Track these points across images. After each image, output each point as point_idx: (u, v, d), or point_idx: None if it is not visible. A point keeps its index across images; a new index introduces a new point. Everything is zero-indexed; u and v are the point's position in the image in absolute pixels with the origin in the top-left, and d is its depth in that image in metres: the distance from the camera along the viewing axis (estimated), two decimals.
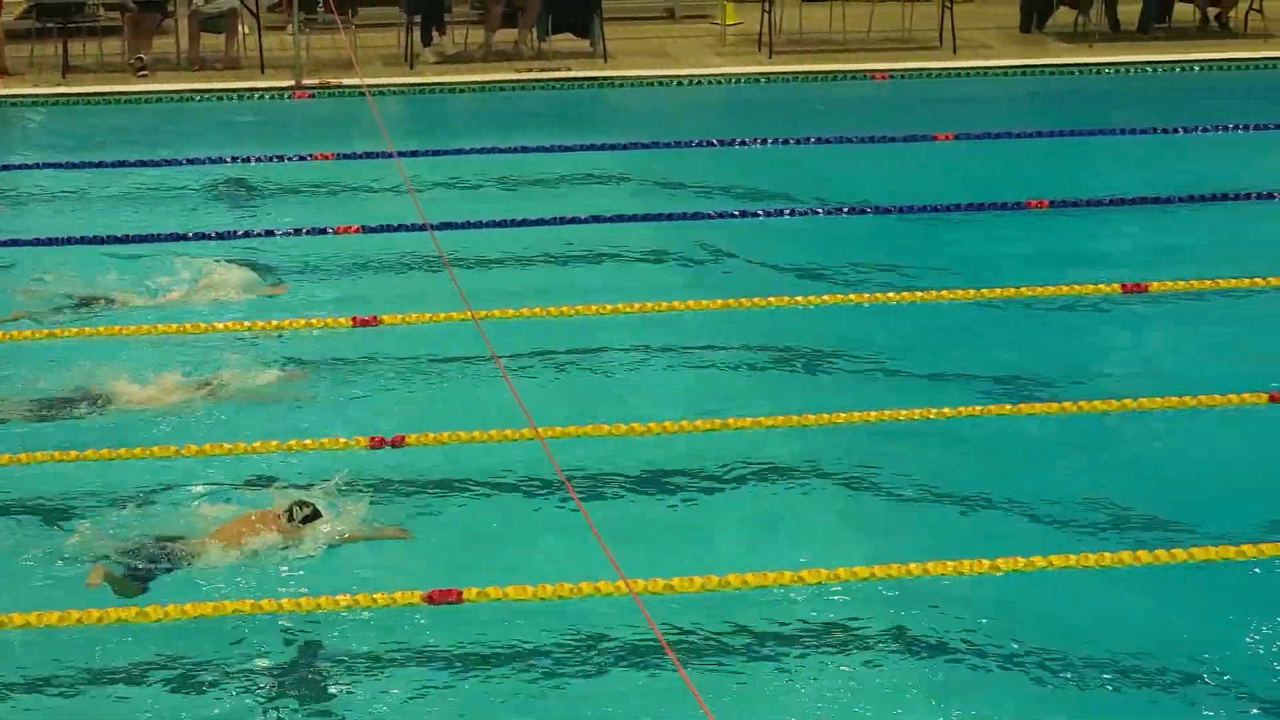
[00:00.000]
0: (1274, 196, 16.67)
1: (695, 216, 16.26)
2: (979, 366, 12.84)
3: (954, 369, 12.80)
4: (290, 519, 10.13)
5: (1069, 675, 9.08)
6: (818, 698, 8.91)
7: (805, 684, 9.01)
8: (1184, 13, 23.77)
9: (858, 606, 9.64)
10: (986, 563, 10.01)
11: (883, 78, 21.68)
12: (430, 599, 9.62)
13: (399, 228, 15.69)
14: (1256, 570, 10.05)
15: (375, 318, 13.71)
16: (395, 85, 21.45)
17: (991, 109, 20.76)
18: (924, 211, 16.32)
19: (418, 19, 22.56)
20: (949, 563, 9.98)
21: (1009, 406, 12.17)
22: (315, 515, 10.17)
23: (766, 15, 22.70)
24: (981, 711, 8.83)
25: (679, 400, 12.31)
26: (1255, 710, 8.78)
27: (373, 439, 11.49)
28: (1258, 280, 14.46)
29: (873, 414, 11.99)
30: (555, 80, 21.60)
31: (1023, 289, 14.25)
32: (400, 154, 16.80)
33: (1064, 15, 23.58)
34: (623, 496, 10.89)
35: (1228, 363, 12.97)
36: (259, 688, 8.95)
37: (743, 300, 14.06)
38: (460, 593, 9.67)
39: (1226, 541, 10.24)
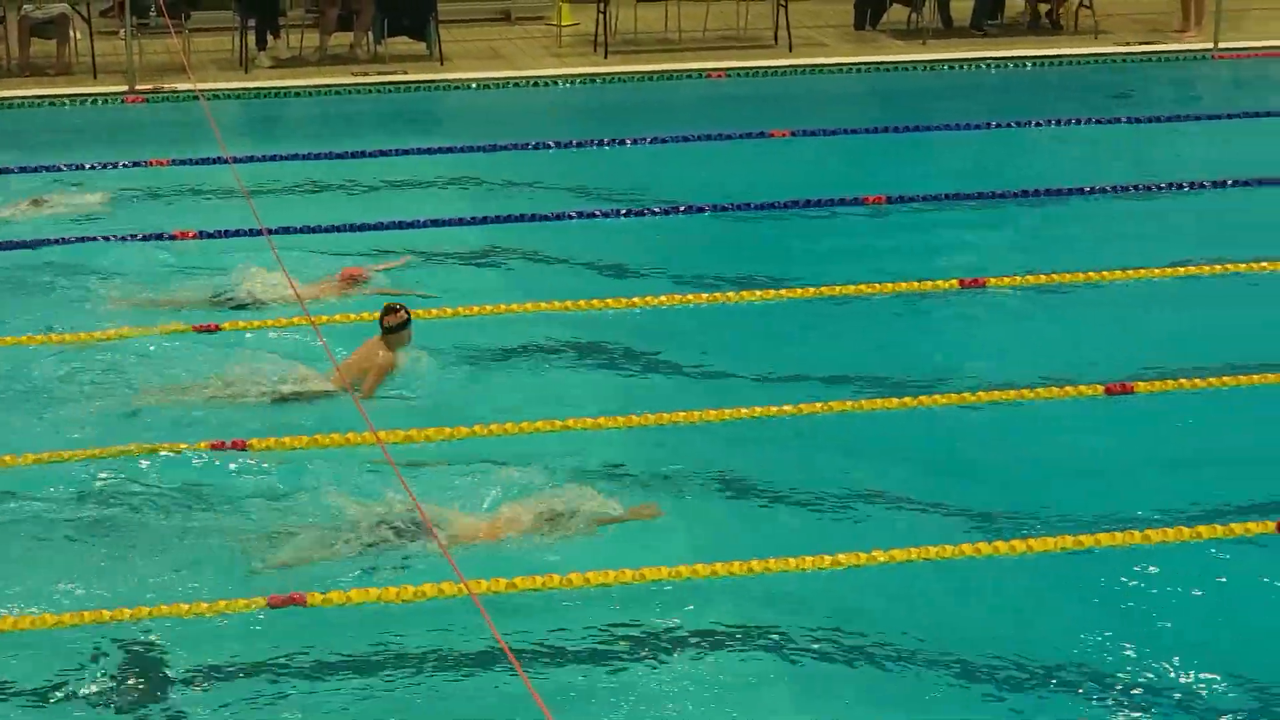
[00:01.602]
0: (1106, 191, 16.89)
1: (532, 218, 16.21)
2: (818, 363, 12.90)
3: (793, 366, 12.85)
4: None
5: (909, 669, 9.15)
6: (658, 697, 8.90)
7: (647, 684, 8.99)
8: (1015, 9, 24.07)
9: (699, 604, 9.65)
10: (828, 558, 10.05)
11: (719, 76, 21.75)
12: (272, 604, 9.52)
13: (235, 233, 15.51)
14: (1094, 560, 10.16)
15: (214, 325, 13.55)
16: (230, 89, 21.22)
17: (827, 106, 20.90)
18: (762, 209, 16.39)
19: (252, 23, 22.33)
20: (791, 559, 10.01)
21: (849, 403, 12.23)
22: None
23: (602, 16, 22.69)
24: (824, 705, 8.88)
25: (514, 401, 12.25)
26: (1095, 701, 8.88)
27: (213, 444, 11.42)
28: (1091, 274, 14.65)
29: (711, 412, 12.01)
30: (391, 83, 21.47)
31: (861, 286, 14.33)
32: (236, 159, 16.61)
33: (897, 13, 23.79)
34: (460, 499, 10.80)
35: (1064, 356, 13.12)
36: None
37: (580, 301, 14.03)
38: (304, 597, 9.58)
39: (1065, 532, 10.36)
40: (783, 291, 14.33)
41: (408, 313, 12.44)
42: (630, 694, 8.90)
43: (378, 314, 12.62)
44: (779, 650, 9.26)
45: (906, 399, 12.23)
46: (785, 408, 12.07)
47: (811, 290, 14.33)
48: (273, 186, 17.27)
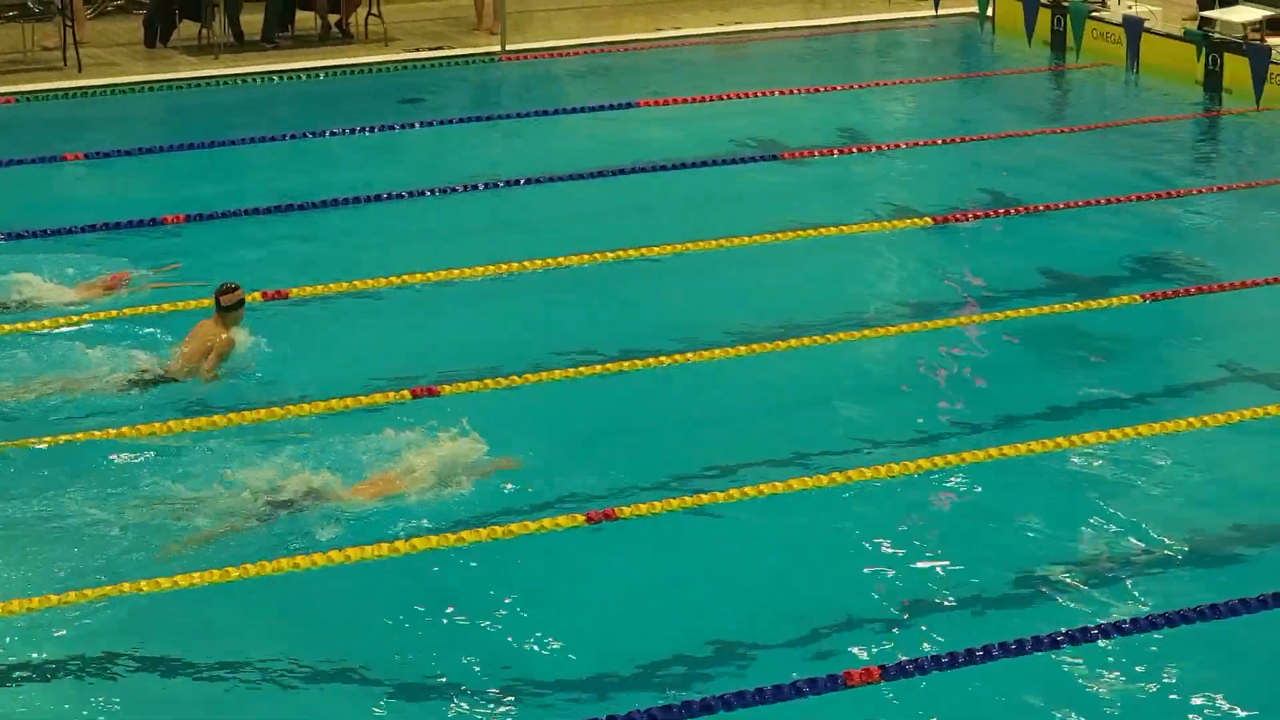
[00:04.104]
0: (403, 196, 17.15)
1: None
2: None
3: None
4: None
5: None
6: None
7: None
8: (306, 20, 24.12)
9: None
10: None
11: (7, 101, 21.00)
12: None
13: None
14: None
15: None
16: None
17: (123, 126, 20.43)
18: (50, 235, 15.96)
19: None
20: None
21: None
22: None
23: None
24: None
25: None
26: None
27: None
28: (394, 278, 14.91)
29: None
30: None
31: (166, 305, 14.22)
32: None
33: (188, 29, 23.48)
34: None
35: (381, 360, 13.41)
36: None
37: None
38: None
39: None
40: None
41: (242, 291, 12.92)
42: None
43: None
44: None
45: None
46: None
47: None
48: None
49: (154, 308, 14.23)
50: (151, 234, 16.12)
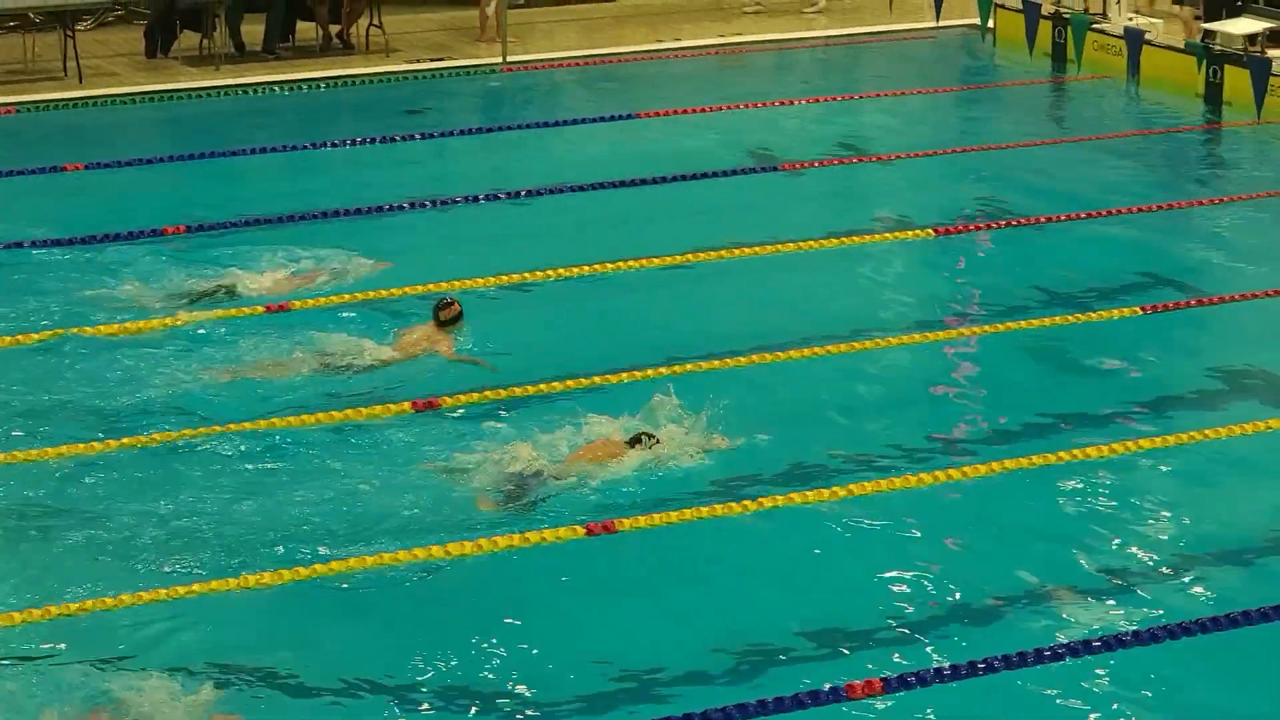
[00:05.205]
0: (405, 208, 17.17)
1: None
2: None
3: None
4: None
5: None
6: None
7: None
8: (307, 31, 24.14)
9: None
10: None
11: (7, 112, 21.01)
12: None
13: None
14: None
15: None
16: None
17: (124, 137, 20.45)
18: (59, 245, 15.95)
19: None
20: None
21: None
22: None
23: None
24: None
25: None
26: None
27: None
28: (408, 288, 14.94)
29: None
30: None
31: (165, 319, 14.24)
32: None
33: (189, 39, 23.50)
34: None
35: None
36: None
37: None
38: None
39: None
40: (72, 330, 14.06)
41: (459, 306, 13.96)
42: None
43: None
44: None
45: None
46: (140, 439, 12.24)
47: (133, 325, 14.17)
48: None
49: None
50: (154, 242, 16.12)
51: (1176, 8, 23.72)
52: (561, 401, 12.79)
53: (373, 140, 19.63)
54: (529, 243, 16.40)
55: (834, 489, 11.54)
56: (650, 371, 13.25)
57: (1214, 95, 21.23)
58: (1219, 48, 21.45)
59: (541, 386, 13.02)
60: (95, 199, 17.75)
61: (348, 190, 17.85)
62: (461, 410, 12.72)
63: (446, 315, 13.86)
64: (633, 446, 11.82)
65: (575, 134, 20.27)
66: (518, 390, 12.99)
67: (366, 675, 9.62)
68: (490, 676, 9.65)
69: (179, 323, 14.09)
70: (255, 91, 22.05)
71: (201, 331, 13.98)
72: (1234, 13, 22.31)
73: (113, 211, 17.10)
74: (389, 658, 9.81)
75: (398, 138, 19.77)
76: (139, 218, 16.73)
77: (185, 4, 23.06)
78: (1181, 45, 22.12)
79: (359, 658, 9.81)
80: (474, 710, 9.38)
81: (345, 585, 10.42)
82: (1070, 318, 14.52)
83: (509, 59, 23.24)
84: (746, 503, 11.35)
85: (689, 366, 13.37)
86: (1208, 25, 22.21)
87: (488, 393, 12.97)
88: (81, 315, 14.32)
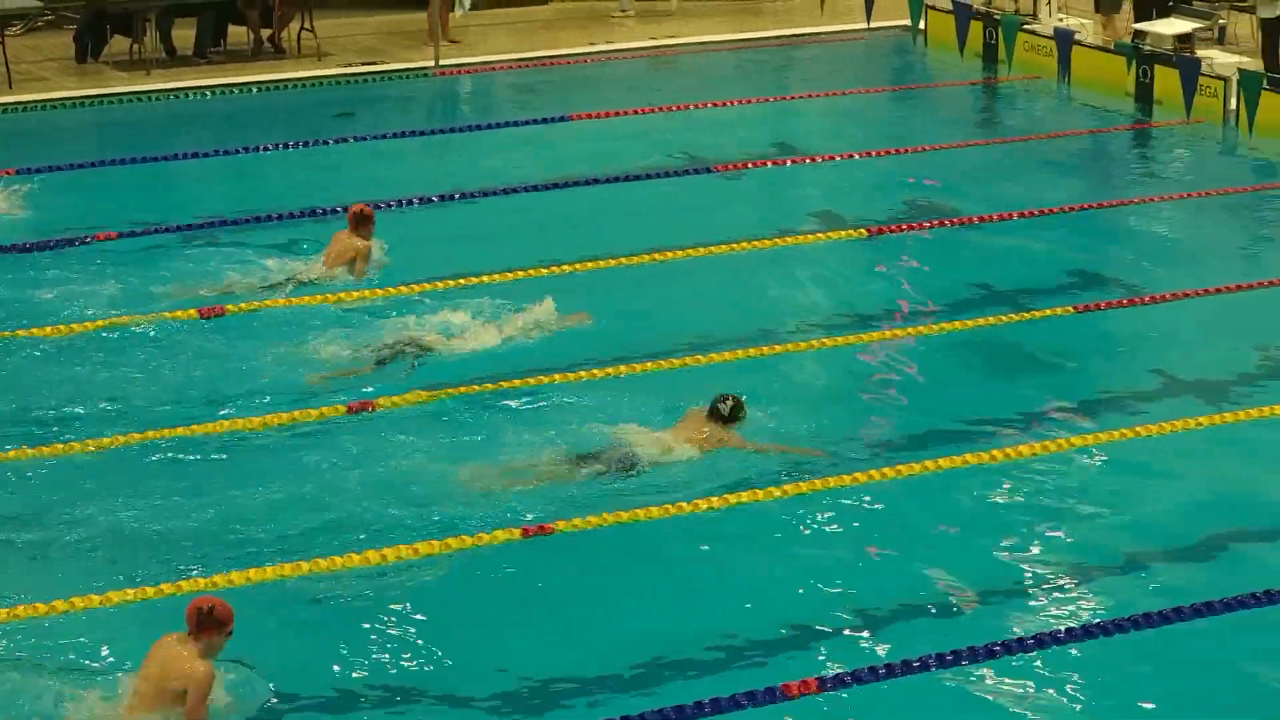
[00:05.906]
0: (339, 212, 17.11)
1: None
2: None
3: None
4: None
5: None
6: None
7: None
8: (239, 35, 24.03)
9: None
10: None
11: None
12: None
13: None
14: None
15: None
16: None
17: (55, 142, 20.30)
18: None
19: None
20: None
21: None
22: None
23: None
24: None
25: None
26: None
27: None
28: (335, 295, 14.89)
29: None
30: None
31: (102, 321, 14.21)
32: None
33: (120, 44, 23.37)
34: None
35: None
36: None
37: None
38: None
39: None
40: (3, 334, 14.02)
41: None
42: None
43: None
44: None
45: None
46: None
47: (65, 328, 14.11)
48: None
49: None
50: (87, 249, 16.02)
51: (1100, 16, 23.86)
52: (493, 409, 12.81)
53: (305, 144, 19.56)
54: (461, 246, 16.36)
55: (768, 489, 11.56)
56: (583, 374, 13.25)
57: (1144, 95, 21.37)
58: (1149, 48, 21.60)
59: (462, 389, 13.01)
60: (26, 204, 17.60)
61: (281, 193, 17.78)
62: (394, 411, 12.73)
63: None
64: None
65: (508, 136, 20.25)
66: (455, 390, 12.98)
67: (321, 677, 9.65)
68: (392, 685, 9.66)
69: (114, 324, 14.04)
70: (187, 96, 21.95)
71: (140, 333, 13.93)
72: (1164, 13, 22.48)
73: (44, 217, 17.01)
74: (343, 660, 9.84)
75: (329, 141, 19.72)
76: (71, 223, 16.62)
77: (116, 9, 22.94)
78: (1111, 45, 22.27)
79: (306, 662, 9.83)
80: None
81: (311, 588, 10.44)
82: (1003, 317, 14.59)
83: (441, 62, 23.19)
84: (682, 504, 11.35)
85: (622, 370, 13.37)
86: (1138, 25, 22.37)
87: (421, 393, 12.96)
88: (14, 319, 14.23)
